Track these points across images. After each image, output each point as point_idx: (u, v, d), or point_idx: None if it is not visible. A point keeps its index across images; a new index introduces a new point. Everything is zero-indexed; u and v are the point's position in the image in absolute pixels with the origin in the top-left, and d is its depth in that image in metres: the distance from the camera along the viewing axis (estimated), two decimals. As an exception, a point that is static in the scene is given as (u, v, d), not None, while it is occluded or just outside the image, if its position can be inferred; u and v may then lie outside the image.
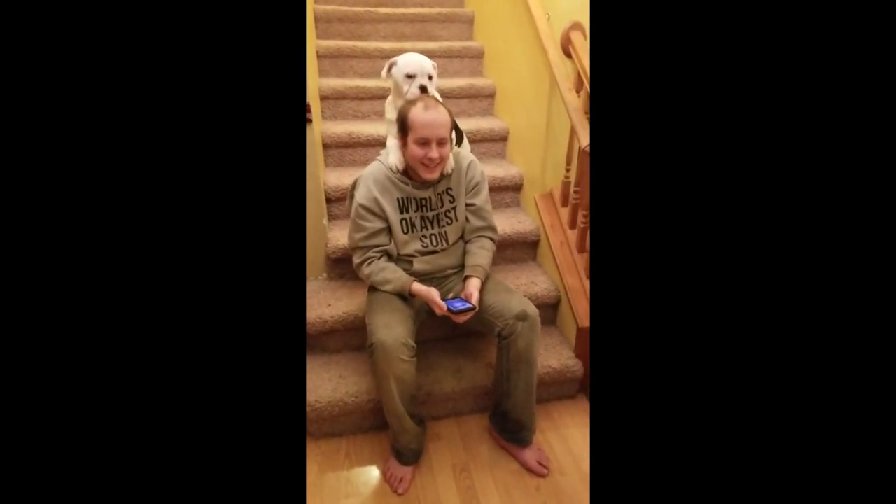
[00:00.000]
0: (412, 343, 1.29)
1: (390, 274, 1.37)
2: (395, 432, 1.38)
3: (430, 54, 2.36)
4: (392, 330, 1.26)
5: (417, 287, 1.35)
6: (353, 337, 1.66)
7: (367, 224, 1.35)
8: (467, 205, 1.44)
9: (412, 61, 1.40)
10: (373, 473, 1.42)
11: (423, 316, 1.47)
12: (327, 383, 1.53)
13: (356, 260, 1.41)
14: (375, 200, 1.34)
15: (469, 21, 2.56)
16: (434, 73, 1.43)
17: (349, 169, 2.04)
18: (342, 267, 1.79)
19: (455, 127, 1.49)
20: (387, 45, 2.33)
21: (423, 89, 1.37)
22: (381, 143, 2.04)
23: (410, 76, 1.38)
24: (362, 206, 1.34)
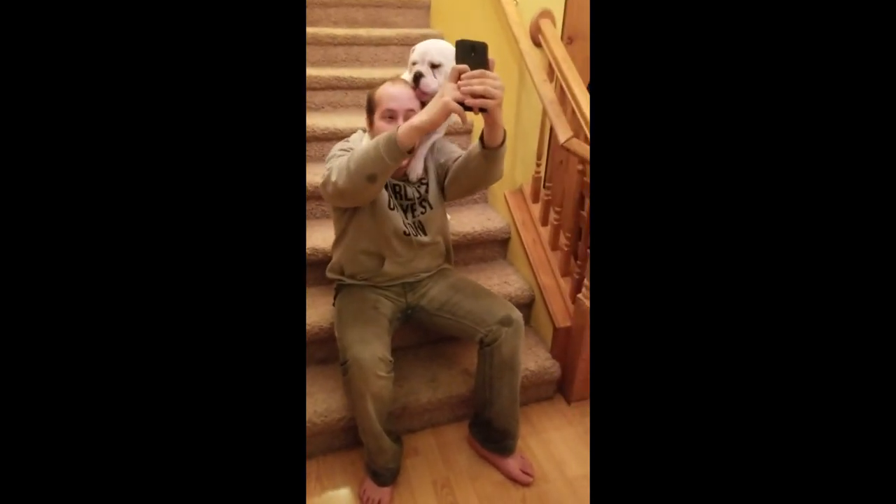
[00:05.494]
0: (389, 358, 1.19)
1: (366, 144, 1.06)
2: (371, 452, 1.27)
3: (386, 42, 2.26)
4: (367, 345, 1.16)
5: (406, 122, 0.99)
6: (317, 350, 1.53)
7: (349, 153, 1.11)
8: (454, 161, 1.25)
9: (420, 47, 1.19)
10: (347, 497, 1.32)
11: (397, 324, 1.36)
12: (292, 402, 1.40)
13: (328, 169, 1.10)
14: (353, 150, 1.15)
15: (426, 7, 2.44)
16: (447, 63, 1.15)
17: (306, 165, 1.88)
18: (302, 273, 1.65)
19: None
20: (339, 32, 2.17)
21: (418, 78, 1.16)
22: (337, 138, 1.90)
23: (413, 63, 1.19)
24: (342, 149, 1.16)
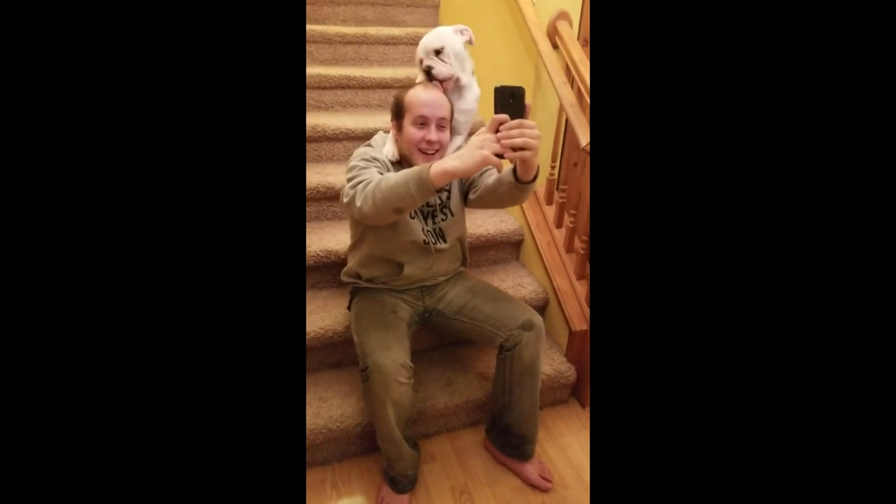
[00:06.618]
0: (410, 363, 1.17)
1: (396, 174, 1.03)
2: (390, 459, 1.26)
3: (395, 41, 2.23)
4: (388, 350, 1.14)
5: (439, 163, 0.95)
6: (330, 353, 1.51)
7: (373, 164, 1.13)
8: (480, 175, 1.24)
9: (420, 45, 1.19)
10: (365, 505, 1.30)
11: (414, 328, 1.34)
12: (308, 407, 1.38)
13: (352, 188, 1.07)
14: (377, 160, 1.16)
15: (435, 6, 2.42)
16: (447, 43, 1.15)
17: (315, 166, 1.86)
18: (315, 275, 1.63)
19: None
20: (349, 30, 2.15)
21: (428, 71, 1.16)
22: (349, 138, 1.88)
23: (420, 61, 1.19)
24: (364, 159, 1.14)
